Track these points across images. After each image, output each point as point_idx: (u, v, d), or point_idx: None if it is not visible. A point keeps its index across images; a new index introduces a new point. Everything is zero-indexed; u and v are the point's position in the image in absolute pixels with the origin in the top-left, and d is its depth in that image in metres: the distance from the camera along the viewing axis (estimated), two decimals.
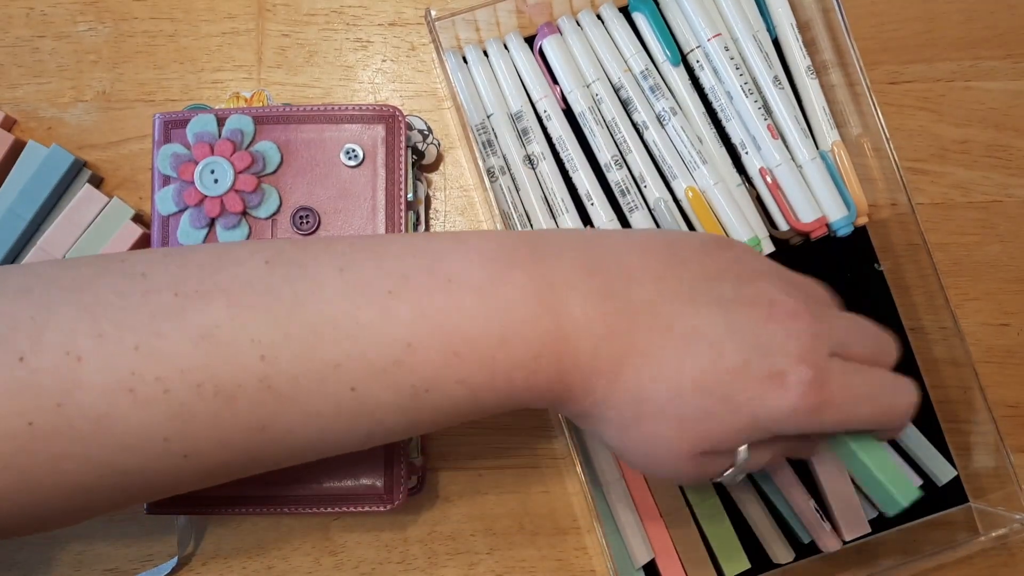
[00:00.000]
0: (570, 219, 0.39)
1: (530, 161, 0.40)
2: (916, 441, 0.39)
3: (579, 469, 0.35)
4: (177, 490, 0.26)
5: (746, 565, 0.37)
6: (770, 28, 0.41)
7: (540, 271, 0.26)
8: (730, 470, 0.29)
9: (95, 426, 0.23)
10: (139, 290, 0.24)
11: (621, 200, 0.40)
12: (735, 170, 0.41)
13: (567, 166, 0.40)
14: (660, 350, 0.26)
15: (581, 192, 0.40)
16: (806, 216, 0.39)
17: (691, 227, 0.40)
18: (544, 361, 0.26)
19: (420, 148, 0.40)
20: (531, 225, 0.39)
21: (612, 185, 0.40)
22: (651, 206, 0.40)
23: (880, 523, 0.38)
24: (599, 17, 0.41)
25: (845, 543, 0.37)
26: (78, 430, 0.23)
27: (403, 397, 0.25)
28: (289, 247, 0.26)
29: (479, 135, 0.39)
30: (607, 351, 0.26)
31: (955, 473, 0.39)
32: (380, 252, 0.26)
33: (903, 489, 0.31)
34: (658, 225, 0.39)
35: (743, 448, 0.28)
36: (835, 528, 0.36)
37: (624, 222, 0.40)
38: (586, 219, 0.40)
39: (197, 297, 0.24)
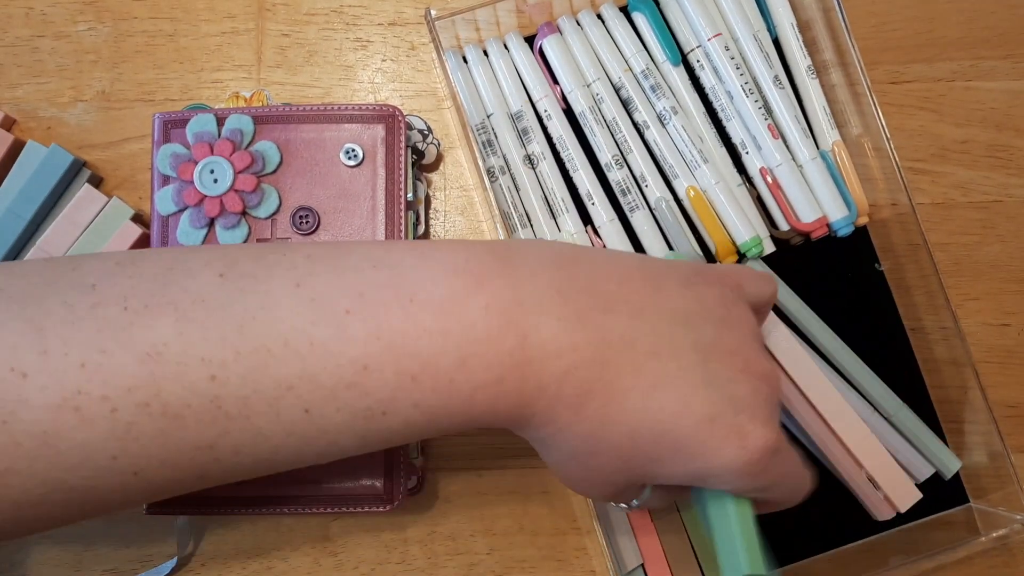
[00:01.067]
0: (570, 219, 0.39)
1: (530, 161, 0.40)
2: (923, 433, 0.39)
3: None
4: (128, 505, 0.26)
5: None
6: (770, 28, 0.41)
7: (510, 289, 0.25)
8: (632, 503, 0.30)
9: (40, 443, 0.22)
10: (88, 303, 0.23)
11: (622, 199, 0.40)
12: (735, 170, 0.40)
13: (567, 166, 0.40)
14: (628, 391, 0.25)
15: (582, 191, 0.40)
16: (806, 216, 0.39)
17: (692, 226, 0.40)
18: (506, 385, 0.24)
19: (420, 148, 0.40)
20: (532, 225, 0.39)
21: (613, 185, 0.40)
22: (652, 206, 0.40)
23: (880, 523, 0.38)
24: (599, 17, 0.41)
25: (900, 514, 0.37)
26: (23, 447, 0.22)
27: (357, 419, 0.24)
28: (245, 258, 0.25)
29: (479, 135, 0.39)
30: (574, 381, 0.25)
31: (960, 464, 0.39)
32: (339, 265, 0.25)
33: (754, 559, 0.28)
34: (659, 225, 0.39)
35: (648, 488, 0.29)
36: (887, 500, 0.37)
37: (625, 221, 0.40)
38: (587, 218, 0.40)
39: (146, 312, 0.23)
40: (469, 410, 0.25)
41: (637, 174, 0.40)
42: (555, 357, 0.24)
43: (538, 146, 0.40)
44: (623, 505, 0.30)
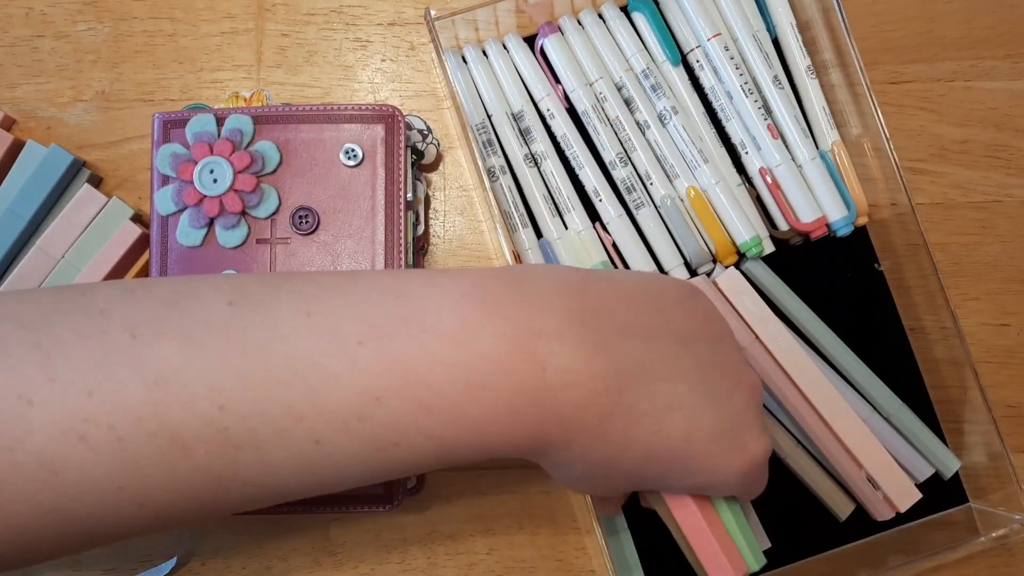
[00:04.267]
0: (576, 216, 0.39)
1: (533, 160, 0.40)
2: (923, 434, 0.39)
3: None
4: (133, 536, 0.25)
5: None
6: (770, 28, 0.41)
7: (524, 317, 0.24)
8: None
9: (46, 472, 0.22)
10: (96, 329, 0.23)
11: (627, 197, 0.40)
12: (735, 170, 0.40)
13: (572, 164, 0.40)
14: (644, 416, 0.26)
15: (588, 189, 0.40)
16: (806, 216, 0.39)
17: (692, 226, 0.40)
18: (522, 415, 0.24)
19: (420, 148, 0.40)
20: (535, 224, 0.39)
21: (618, 183, 0.40)
22: (657, 203, 0.40)
23: (880, 523, 0.38)
24: (600, 16, 0.41)
25: (900, 514, 0.37)
26: (28, 475, 0.22)
27: (368, 450, 0.24)
28: (255, 286, 0.25)
29: (479, 135, 0.39)
30: (594, 409, 0.25)
31: (960, 464, 0.39)
32: (349, 292, 0.24)
33: (754, 552, 0.31)
34: (666, 223, 0.39)
35: None
36: (887, 500, 0.37)
37: (631, 218, 0.40)
38: (594, 215, 0.40)
39: (154, 338, 0.23)
40: (482, 441, 0.24)
41: (641, 172, 0.40)
42: (573, 386, 0.24)
43: (541, 145, 0.40)
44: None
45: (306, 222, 0.36)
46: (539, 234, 0.40)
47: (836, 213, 0.40)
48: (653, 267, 0.39)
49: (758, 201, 0.41)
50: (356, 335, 0.23)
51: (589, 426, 0.25)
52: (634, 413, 0.25)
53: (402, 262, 0.36)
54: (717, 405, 0.27)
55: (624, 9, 0.41)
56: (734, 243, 0.39)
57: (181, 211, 0.36)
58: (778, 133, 0.40)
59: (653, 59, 0.41)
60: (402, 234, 0.36)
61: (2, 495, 0.22)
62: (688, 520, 0.29)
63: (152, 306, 0.24)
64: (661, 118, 0.40)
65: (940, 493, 0.39)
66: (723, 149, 0.41)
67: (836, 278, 0.41)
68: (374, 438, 0.24)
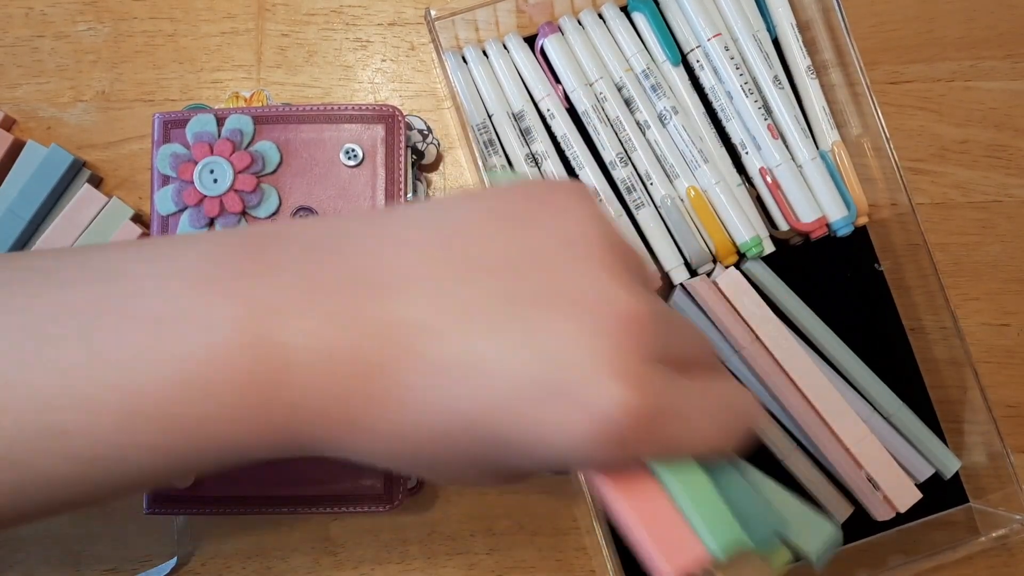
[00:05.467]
0: None
1: (534, 160, 0.40)
2: (923, 433, 0.39)
3: None
4: None
5: None
6: (770, 28, 0.41)
7: (259, 290, 0.20)
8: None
9: None
10: None
11: (627, 197, 0.40)
12: (735, 170, 0.41)
13: (572, 164, 0.40)
14: (425, 387, 0.20)
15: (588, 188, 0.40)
16: (806, 216, 0.39)
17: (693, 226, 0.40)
18: (250, 411, 0.20)
19: (420, 148, 0.40)
20: None
21: (618, 183, 0.40)
22: (657, 203, 0.40)
23: (880, 523, 0.38)
24: (600, 16, 0.41)
25: (900, 514, 0.37)
26: None
27: (73, 467, 0.20)
28: None
29: (480, 135, 0.39)
30: (336, 392, 0.20)
31: (960, 464, 0.39)
32: (51, 279, 0.21)
33: (721, 531, 0.21)
34: (666, 223, 0.39)
35: None
36: (886, 500, 0.37)
37: (631, 218, 0.40)
38: None
39: None
40: (215, 445, 0.20)
41: (641, 172, 0.40)
42: (309, 368, 0.20)
43: (541, 145, 0.40)
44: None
45: None
46: None
47: (836, 213, 0.40)
48: (653, 268, 0.39)
49: (758, 201, 0.41)
50: (55, 329, 0.20)
51: (334, 413, 0.20)
52: (395, 390, 0.20)
53: None
54: (530, 347, 0.19)
55: (624, 9, 0.41)
56: (734, 243, 0.39)
57: (181, 211, 0.36)
58: (778, 133, 0.40)
59: (653, 59, 0.41)
60: None
61: None
62: (619, 499, 0.21)
63: None
64: (661, 118, 0.40)
65: (940, 493, 0.39)
66: (723, 149, 0.41)
67: (836, 278, 0.41)
68: (73, 454, 0.20)
